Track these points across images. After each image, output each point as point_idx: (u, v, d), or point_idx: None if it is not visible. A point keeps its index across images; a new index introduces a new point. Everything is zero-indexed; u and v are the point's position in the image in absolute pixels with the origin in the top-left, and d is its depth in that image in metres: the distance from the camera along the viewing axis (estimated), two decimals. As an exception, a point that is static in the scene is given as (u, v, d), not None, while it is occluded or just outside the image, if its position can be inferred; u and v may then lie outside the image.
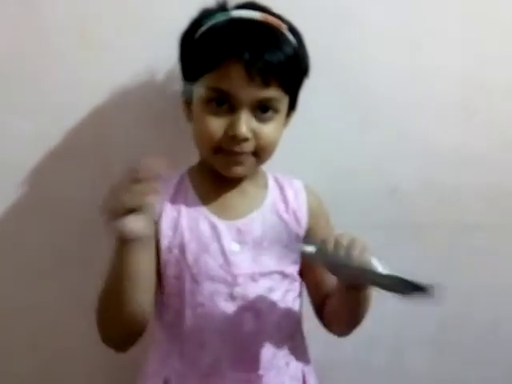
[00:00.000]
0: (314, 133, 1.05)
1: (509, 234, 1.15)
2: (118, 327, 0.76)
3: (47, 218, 1.03)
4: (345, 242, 0.73)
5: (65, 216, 1.02)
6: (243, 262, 0.83)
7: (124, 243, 0.69)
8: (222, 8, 0.83)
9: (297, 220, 0.89)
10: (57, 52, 0.95)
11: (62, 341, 1.08)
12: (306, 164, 0.99)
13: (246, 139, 0.79)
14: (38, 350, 1.08)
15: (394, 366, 1.20)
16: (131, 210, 0.63)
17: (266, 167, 0.92)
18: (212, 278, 0.81)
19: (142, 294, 0.74)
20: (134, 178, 0.63)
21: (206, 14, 0.83)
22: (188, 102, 0.85)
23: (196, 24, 0.83)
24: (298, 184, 0.92)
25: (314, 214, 0.90)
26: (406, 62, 1.04)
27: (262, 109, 0.80)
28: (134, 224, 0.64)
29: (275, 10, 0.84)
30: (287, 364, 0.88)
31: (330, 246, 0.74)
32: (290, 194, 0.90)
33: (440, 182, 1.10)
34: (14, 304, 1.05)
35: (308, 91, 1.01)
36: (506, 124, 1.10)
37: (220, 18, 0.81)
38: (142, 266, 0.72)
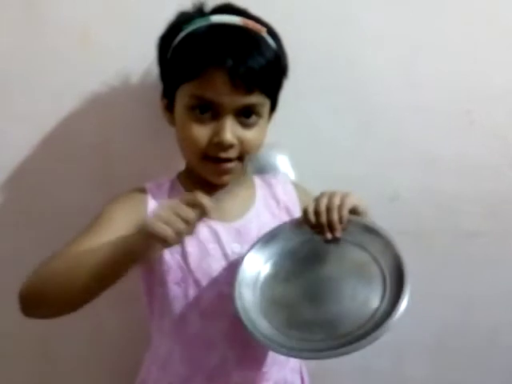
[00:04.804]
0: (313, 139, 1.05)
1: (508, 242, 1.15)
2: (65, 299, 0.72)
3: (47, 220, 1.03)
4: (325, 195, 0.79)
5: (65, 218, 1.02)
6: None
7: (147, 244, 0.69)
8: (201, 11, 0.83)
9: (290, 215, 0.90)
10: (57, 53, 0.96)
11: (61, 344, 1.08)
12: (306, 170, 0.99)
13: (231, 145, 0.80)
14: (39, 352, 1.08)
15: (393, 373, 1.19)
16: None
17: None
18: (216, 281, 0.82)
19: (105, 288, 0.73)
20: (191, 204, 0.69)
21: (184, 19, 0.83)
22: (168, 107, 0.86)
23: (175, 28, 0.83)
24: (284, 178, 0.94)
25: (305, 202, 0.91)
26: (406, 68, 1.05)
27: (246, 114, 0.80)
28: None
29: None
30: (287, 358, 0.89)
31: (311, 205, 0.79)
32: (278, 189, 0.92)
33: (439, 190, 1.11)
34: (16, 307, 1.05)
35: (308, 97, 1.02)
36: (505, 131, 1.10)
37: (200, 23, 0.80)
38: (127, 269, 0.72)
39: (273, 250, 0.82)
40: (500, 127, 1.09)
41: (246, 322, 0.74)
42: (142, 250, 0.71)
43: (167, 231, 0.67)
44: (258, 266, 0.81)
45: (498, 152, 1.10)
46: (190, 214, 0.68)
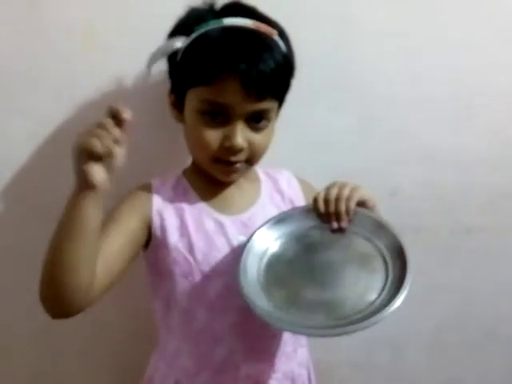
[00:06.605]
0: (313, 135, 1.05)
1: (508, 236, 1.16)
2: (63, 286, 0.68)
3: (47, 218, 1.03)
4: (336, 185, 0.81)
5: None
6: None
7: (81, 191, 0.66)
8: (211, 10, 0.83)
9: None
10: (58, 52, 0.96)
11: (63, 341, 1.08)
12: (306, 166, 0.99)
13: (241, 149, 0.81)
14: (38, 350, 1.08)
15: (393, 367, 1.20)
16: (97, 159, 0.64)
17: (266, 170, 0.93)
18: (222, 274, 0.82)
19: (87, 254, 0.69)
20: (106, 123, 0.67)
21: (195, 18, 0.82)
22: (175, 104, 0.86)
23: (186, 28, 0.82)
24: (288, 173, 0.96)
25: (309, 196, 0.92)
26: (406, 63, 1.05)
27: (256, 119, 0.81)
28: (97, 172, 0.64)
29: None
30: (295, 351, 0.91)
31: (322, 193, 0.82)
32: (283, 183, 0.93)
33: (440, 184, 1.11)
34: (14, 304, 1.06)
35: (308, 94, 1.02)
36: (505, 125, 1.10)
37: (212, 26, 0.80)
38: (92, 220, 0.68)
39: (283, 230, 0.84)
40: (500, 121, 1.10)
41: (243, 287, 0.76)
42: (80, 195, 0.67)
43: (94, 142, 0.64)
44: (267, 242, 0.83)
45: (498, 146, 1.10)
46: (115, 129, 0.67)
